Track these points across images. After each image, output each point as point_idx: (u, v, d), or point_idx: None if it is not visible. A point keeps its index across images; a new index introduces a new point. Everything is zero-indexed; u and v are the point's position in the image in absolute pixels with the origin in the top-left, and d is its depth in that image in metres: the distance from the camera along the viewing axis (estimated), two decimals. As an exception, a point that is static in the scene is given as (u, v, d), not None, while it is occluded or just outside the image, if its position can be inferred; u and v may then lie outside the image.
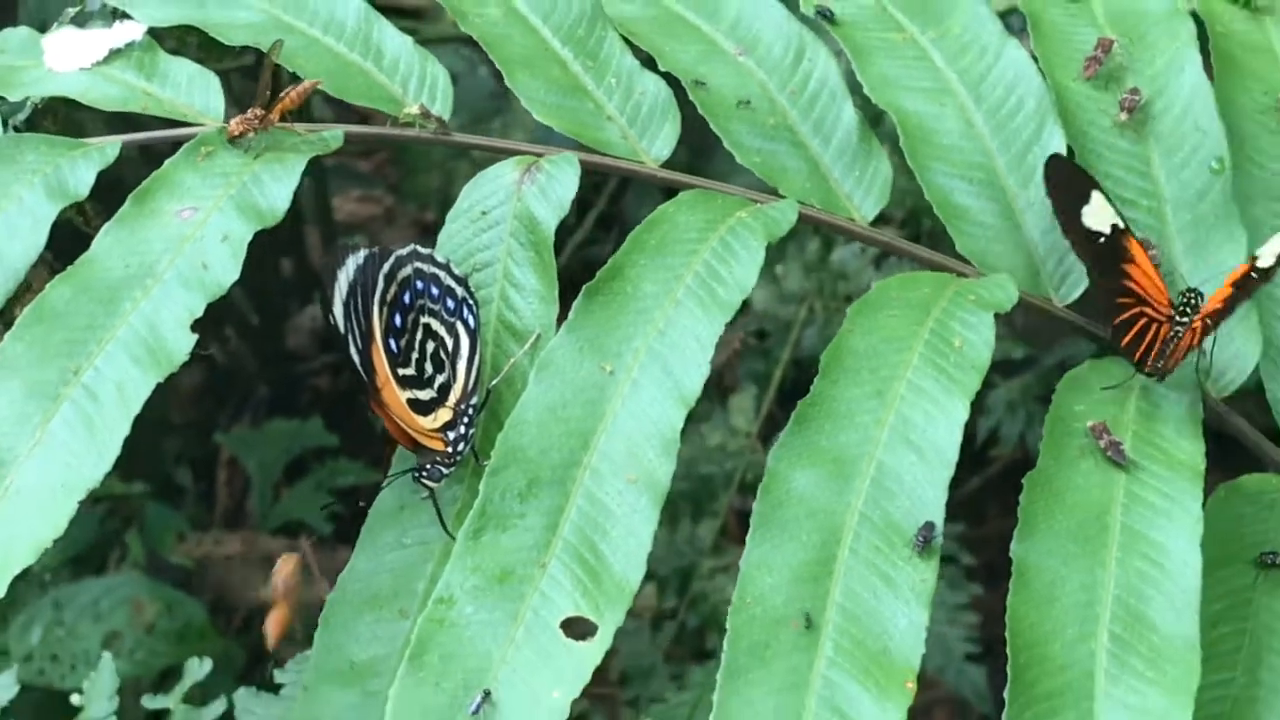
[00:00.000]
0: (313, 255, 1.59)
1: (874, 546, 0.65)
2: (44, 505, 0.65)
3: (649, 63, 0.83)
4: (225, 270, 0.71)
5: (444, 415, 0.71)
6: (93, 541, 1.41)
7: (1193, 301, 0.72)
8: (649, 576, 1.32)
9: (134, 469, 1.43)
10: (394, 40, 0.82)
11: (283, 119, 0.77)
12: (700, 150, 0.95)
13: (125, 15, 0.83)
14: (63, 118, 0.83)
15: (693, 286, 0.72)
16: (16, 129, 0.80)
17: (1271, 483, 0.73)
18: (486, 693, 0.61)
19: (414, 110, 0.79)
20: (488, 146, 0.81)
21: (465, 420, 0.70)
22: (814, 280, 1.41)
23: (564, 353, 0.70)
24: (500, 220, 0.75)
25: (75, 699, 0.97)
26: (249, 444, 1.51)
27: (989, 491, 1.46)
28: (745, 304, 1.47)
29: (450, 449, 0.70)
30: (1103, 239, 0.73)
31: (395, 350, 0.71)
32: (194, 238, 0.72)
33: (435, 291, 0.72)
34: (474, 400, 0.71)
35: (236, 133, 0.76)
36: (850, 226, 0.80)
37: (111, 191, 0.76)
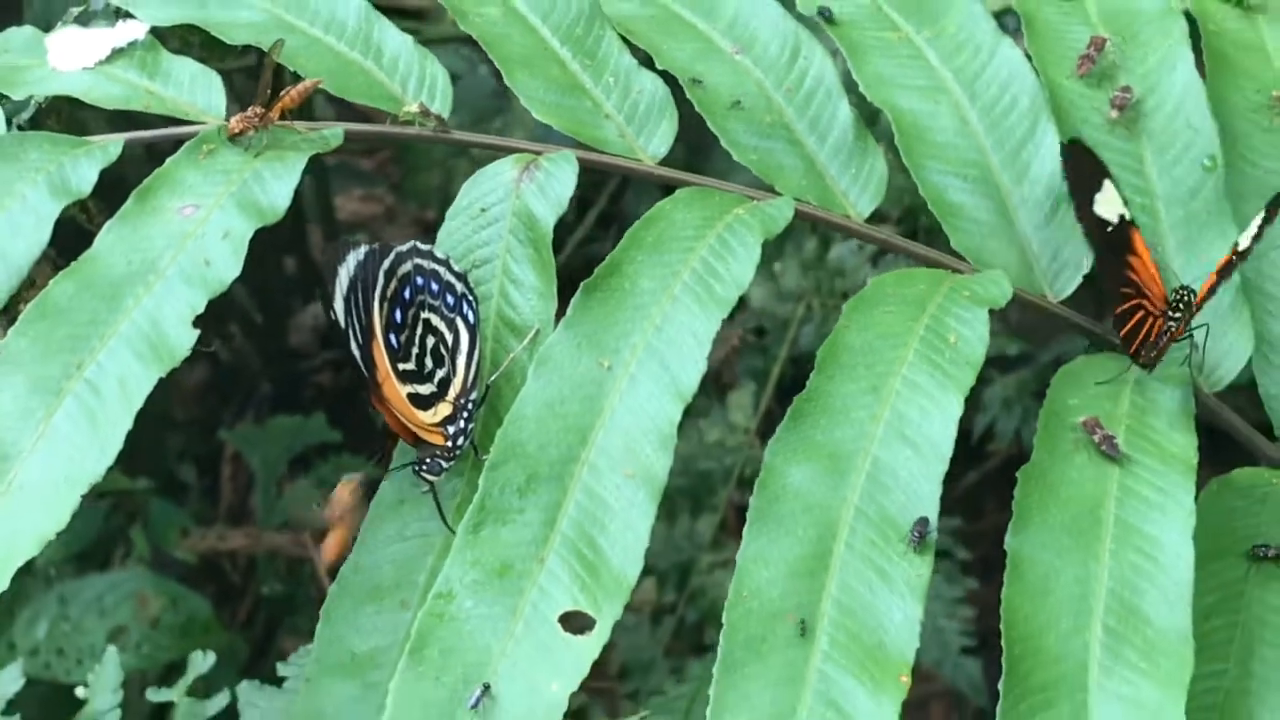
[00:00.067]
0: (315, 253, 1.59)
1: (869, 541, 0.65)
2: (47, 499, 0.65)
3: (647, 62, 0.82)
4: (227, 267, 0.71)
5: (444, 410, 0.70)
6: (98, 537, 1.41)
7: (1185, 298, 0.72)
8: (648, 571, 1.33)
9: (139, 465, 1.43)
10: (394, 39, 0.82)
11: (283, 117, 0.77)
12: (699, 149, 0.95)
13: (128, 15, 0.83)
14: (66, 116, 0.83)
15: (690, 283, 0.72)
16: (20, 127, 0.80)
17: (1263, 476, 0.73)
18: (486, 686, 0.61)
19: (414, 108, 0.79)
20: (487, 144, 0.81)
21: (465, 415, 0.70)
22: (811, 278, 1.41)
23: (562, 348, 0.70)
24: (499, 217, 0.75)
25: (80, 692, 0.96)
26: (252, 440, 1.51)
27: (985, 487, 1.46)
28: (743, 301, 1.48)
29: (450, 443, 0.69)
30: (1110, 228, 0.72)
31: (395, 346, 0.71)
32: (196, 235, 0.72)
33: (435, 287, 0.72)
34: (473, 395, 0.71)
35: (237, 131, 0.76)
36: (846, 223, 0.80)
37: (114, 189, 0.76)
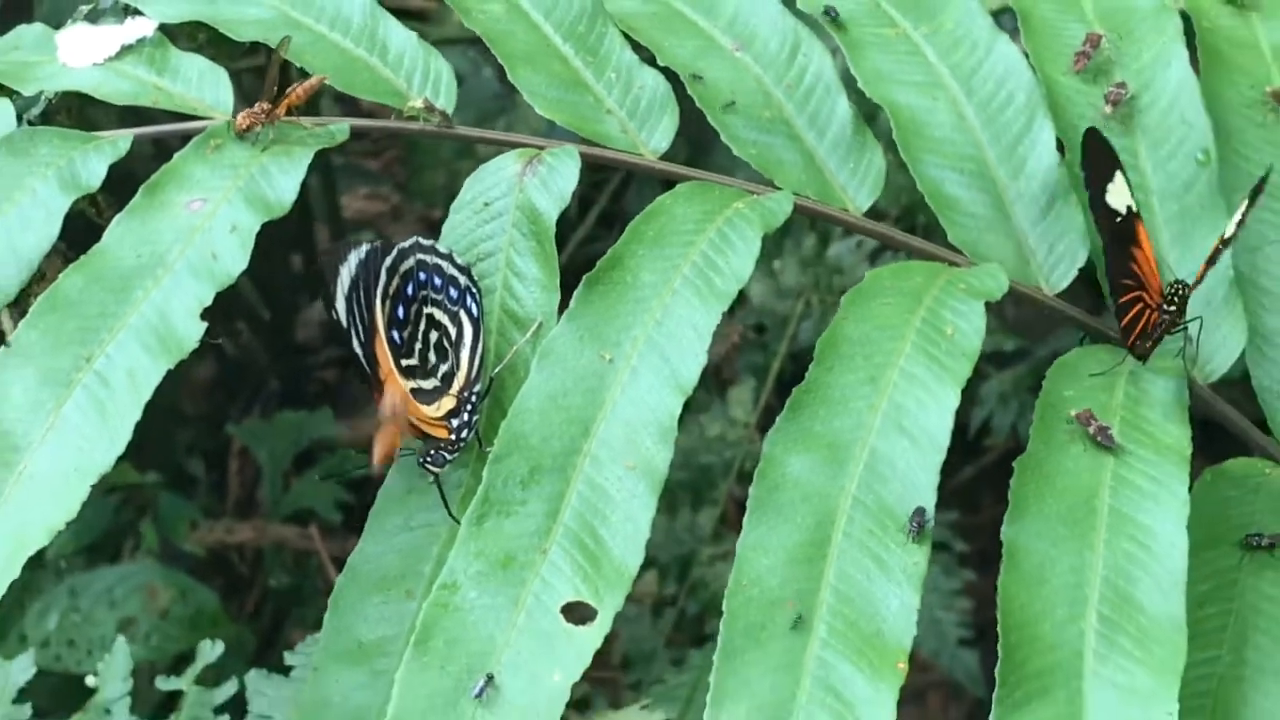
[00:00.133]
0: (322, 251, 1.59)
1: (867, 530, 0.65)
2: (57, 489, 0.65)
3: (649, 59, 0.82)
4: (234, 260, 0.71)
5: (448, 403, 0.70)
6: (108, 530, 1.41)
7: (1180, 292, 0.72)
8: (650, 564, 1.33)
9: (148, 459, 1.43)
10: (399, 36, 0.82)
11: (289, 113, 0.77)
12: (700, 145, 0.95)
13: (137, 12, 0.83)
14: (75, 112, 0.83)
15: (690, 276, 0.71)
16: (31, 123, 0.80)
17: (1256, 467, 0.73)
18: (490, 676, 0.61)
19: (418, 104, 0.79)
20: (490, 139, 0.81)
21: (469, 408, 0.70)
22: (810, 275, 1.42)
23: (565, 341, 0.70)
24: (503, 211, 0.75)
25: (91, 680, 0.97)
26: (259, 435, 1.51)
27: (982, 480, 1.46)
28: (743, 298, 1.48)
29: (454, 436, 0.69)
30: (1119, 219, 0.72)
31: (399, 341, 0.71)
32: (203, 228, 0.72)
33: (438, 282, 0.72)
34: (477, 388, 0.71)
35: (244, 126, 0.76)
36: (845, 217, 0.80)
37: (123, 184, 0.76)
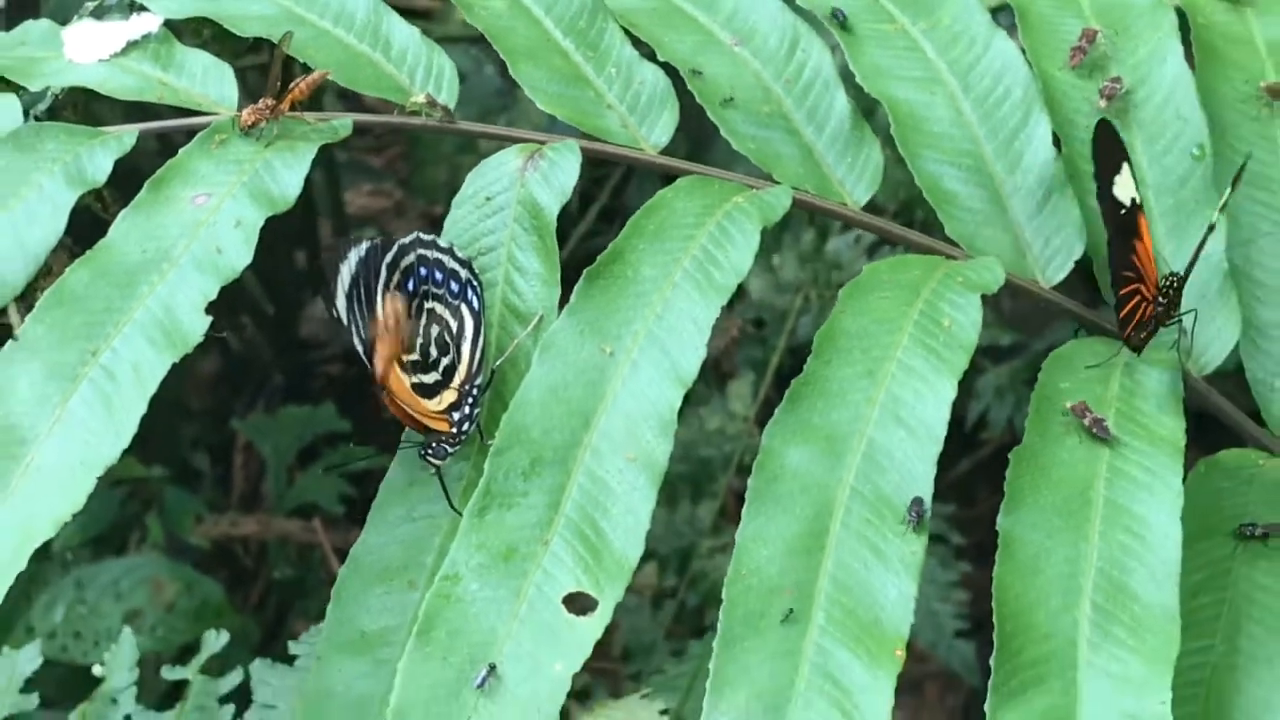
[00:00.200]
0: (324, 249, 1.59)
1: (865, 520, 0.65)
2: (63, 482, 0.65)
3: (649, 54, 0.82)
4: (238, 254, 0.71)
5: (449, 397, 0.70)
6: (113, 523, 1.41)
7: (1174, 285, 0.72)
8: (650, 556, 1.33)
9: (153, 453, 1.43)
10: (402, 32, 0.82)
11: (293, 109, 0.77)
12: (699, 140, 0.95)
13: (142, 8, 0.83)
14: (81, 108, 0.83)
15: (690, 270, 0.72)
16: (37, 118, 0.80)
17: (1250, 458, 0.73)
18: (492, 666, 0.61)
19: (421, 99, 0.79)
20: (492, 134, 0.81)
21: (470, 401, 0.70)
22: (809, 270, 1.42)
23: (566, 335, 0.70)
24: (504, 206, 0.75)
25: (97, 670, 0.97)
26: (264, 429, 1.51)
27: (979, 474, 1.47)
28: (743, 292, 1.48)
29: (455, 429, 0.70)
30: (1124, 210, 0.72)
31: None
32: (208, 223, 0.72)
33: (439, 276, 0.72)
34: (478, 381, 0.71)
35: (248, 122, 0.76)
36: (843, 211, 0.80)
37: (128, 179, 0.76)
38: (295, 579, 1.46)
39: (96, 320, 0.69)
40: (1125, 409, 0.70)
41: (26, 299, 0.72)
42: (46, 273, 0.72)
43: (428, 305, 0.72)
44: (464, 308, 0.72)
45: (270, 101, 0.76)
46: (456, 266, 0.72)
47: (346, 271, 0.70)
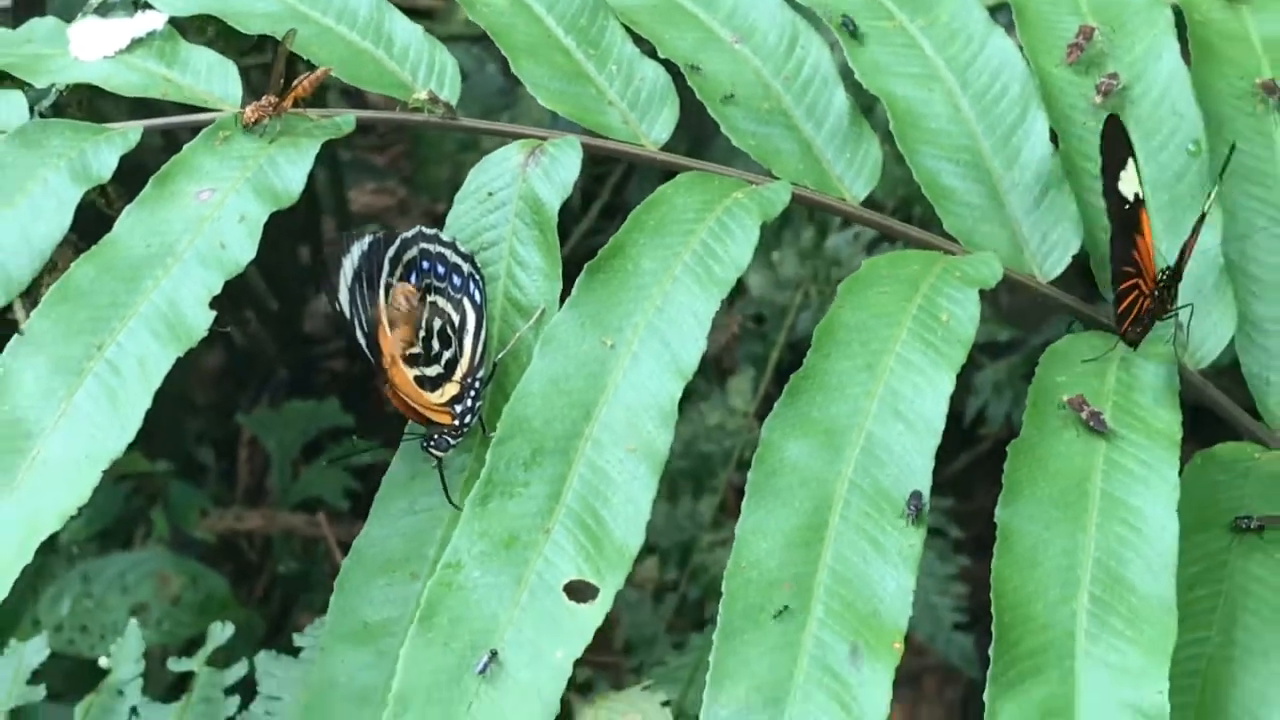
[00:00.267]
0: (327, 243, 1.59)
1: (864, 513, 0.65)
2: (69, 475, 0.65)
3: (650, 51, 0.82)
4: (242, 249, 0.71)
5: (451, 390, 0.70)
6: (119, 517, 1.41)
7: (1167, 278, 0.72)
8: (651, 550, 1.33)
9: (158, 448, 1.43)
10: (404, 29, 0.82)
11: (296, 105, 0.77)
12: (700, 136, 0.95)
13: (147, 5, 0.83)
14: (86, 104, 0.83)
15: (690, 264, 0.71)
16: (43, 115, 0.80)
17: (1246, 451, 0.73)
18: (493, 653, 0.61)
19: (423, 95, 0.79)
20: (494, 130, 0.81)
21: (472, 393, 0.70)
22: (809, 267, 1.41)
23: (567, 328, 0.70)
24: (506, 201, 0.75)
25: (103, 661, 0.97)
26: (268, 424, 1.51)
27: (977, 468, 1.46)
28: (743, 289, 1.48)
29: (457, 421, 0.69)
30: (1127, 206, 0.72)
31: (403, 329, 0.71)
32: (212, 218, 0.72)
33: (441, 270, 0.72)
34: (480, 374, 0.71)
35: (252, 119, 0.76)
36: (842, 206, 0.80)
37: (133, 175, 0.76)
38: (300, 573, 1.46)
39: (101, 315, 0.69)
40: (1122, 402, 0.70)
41: (32, 294, 0.72)
42: (52, 268, 0.72)
43: (430, 299, 0.72)
44: (466, 301, 0.72)
45: (273, 98, 0.76)
46: (459, 260, 0.72)
47: (349, 265, 0.69)
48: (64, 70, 0.80)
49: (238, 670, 0.97)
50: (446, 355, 0.71)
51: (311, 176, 0.75)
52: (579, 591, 0.63)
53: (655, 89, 0.81)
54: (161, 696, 1.00)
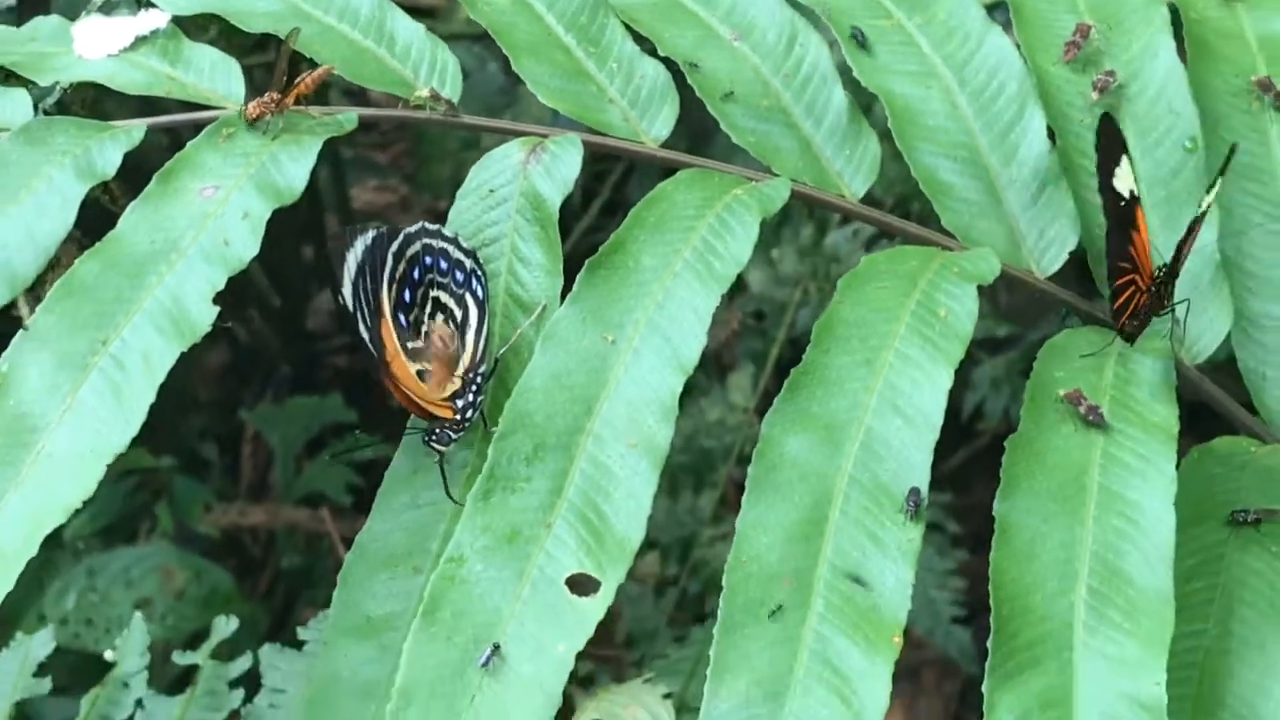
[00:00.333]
0: (330, 237, 1.59)
1: (863, 507, 0.65)
2: (74, 469, 0.65)
3: (650, 49, 0.82)
4: (245, 245, 0.71)
5: (453, 385, 0.70)
6: (124, 512, 1.41)
7: (1163, 274, 0.72)
8: (652, 545, 1.33)
9: (163, 444, 1.43)
10: (406, 27, 0.82)
11: (298, 103, 0.77)
12: (700, 133, 0.95)
13: (150, 4, 0.83)
14: (90, 102, 0.83)
15: (690, 260, 0.71)
16: (47, 112, 0.80)
17: (1242, 445, 0.73)
18: (496, 646, 0.61)
19: (425, 93, 0.79)
20: (495, 128, 0.81)
21: (473, 389, 0.70)
22: (808, 264, 1.41)
23: (568, 323, 0.70)
24: (508, 198, 0.75)
25: (109, 654, 0.97)
26: (272, 420, 1.51)
27: (975, 464, 1.46)
28: (742, 286, 1.47)
29: (459, 416, 0.69)
30: (1122, 203, 0.72)
31: (405, 325, 0.71)
32: (216, 214, 0.72)
33: (444, 265, 0.72)
34: (482, 369, 0.71)
35: (254, 116, 0.76)
36: (841, 203, 0.80)
37: (136, 172, 0.76)
38: (303, 567, 1.46)
39: (106, 310, 0.69)
40: (1119, 396, 0.69)
41: (36, 290, 0.72)
42: (56, 264, 0.72)
43: (433, 294, 0.72)
44: (468, 296, 0.72)
45: (275, 95, 0.76)
46: (461, 256, 0.72)
47: (353, 260, 0.69)
48: (68, 68, 0.80)
49: (242, 663, 0.97)
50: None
51: (314, 174, 0.75)
52: (581, 585, 0.63)
53: (655, 86, 0.81)
54: (166, 690, 1.00)
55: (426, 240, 0.72)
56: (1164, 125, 0.79)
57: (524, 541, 0.64)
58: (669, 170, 0.78)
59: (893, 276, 0.72)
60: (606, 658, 1.31)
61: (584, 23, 0.83)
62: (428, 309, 0.72)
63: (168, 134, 0.82)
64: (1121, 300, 0.72)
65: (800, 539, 0.64)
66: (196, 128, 0.77)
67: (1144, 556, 0.63)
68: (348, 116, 0.78)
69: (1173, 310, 0.73)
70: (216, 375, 1.63)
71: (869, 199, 0.80)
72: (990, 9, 0.84)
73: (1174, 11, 0.84)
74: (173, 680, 1.09)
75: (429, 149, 1.68)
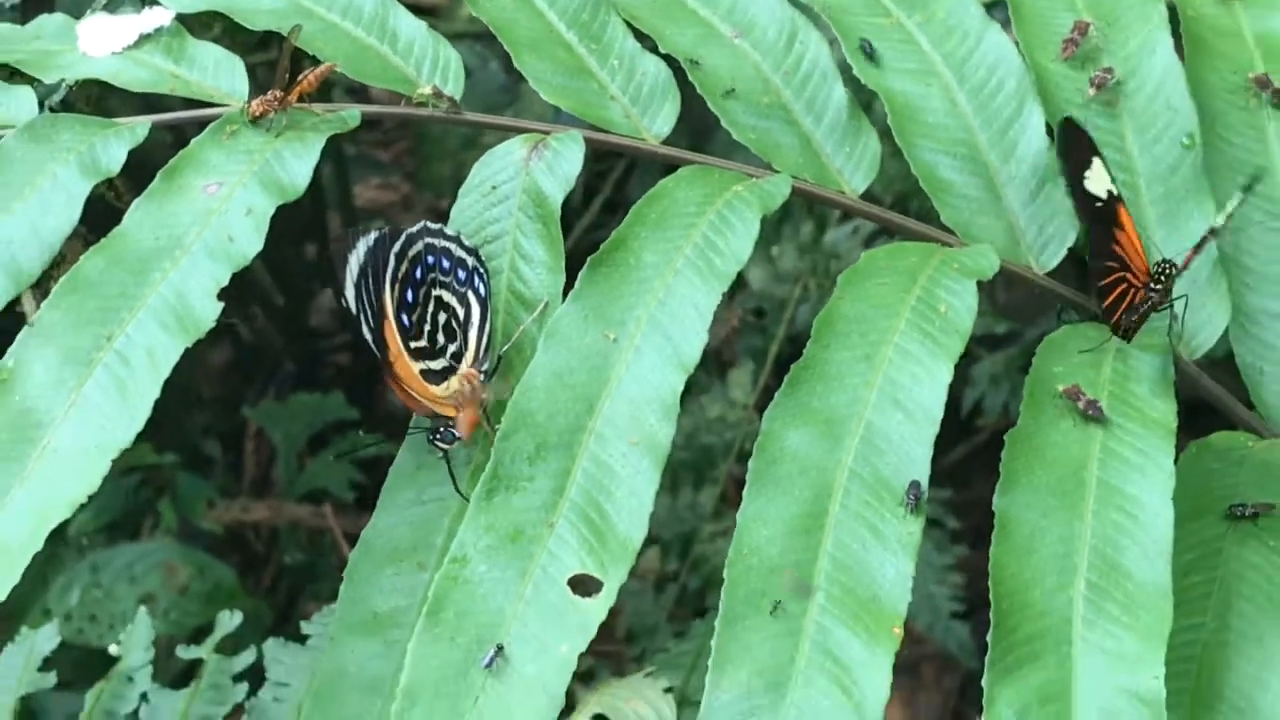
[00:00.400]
0: (332, 239, 1.59)
1: (863, 501, 0.65)
2: (79, 464, 0.65)
3: (651, 46, 0.82)
4: (249, 242, 0.71)
5: (456, 383, 0.70)
6: (128, 509, 1.41)
7: (1166, 271, 0.72)
8: (652, 541, 1.33)
9: (166, 441, 1.43)
10: (409, 25, 0.82)
11: (301, 100, 0.77)
12: (700, 130, 0.95)
13: (154, 2, 0.83)
14: (95, 99, 0.83)
15: (691, 257, 0.71)
16: (52, 110, 0.80)
17: (1240, 440, 0.73)
18: (499, 647, 0.61)
19: (427, 90, 0.79)
20: (497, 125, 0.81)
21: (476, 387, 0.70)
22: (808, 261, 1.41)
23: (570, 321, 0.69)
24: (509, 195, 0.75)
25: (113, 649, 0.97)
26: (275, 417, 1.51)
27: (974, 459, 1.46)
28: (743, 283, 1.47)
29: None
30: (1099, 204, 0.72)
31: (408, 324, 0.71)
32: (220, 211, 0.72)
33: (446, 264, 0.72)
34: (485, 367, 0.71)
35: (257, 113, 0.76)
36: (841, 199, 0.80)
37: (140, 169, 0.76)
38: (306, 564, 1.46)
39: (111, 306, 0.69)
40: (1118, 392, 0.70)
41: (41, 286, 0.72)
42: (61, 260, 0.72)
43: (435, 292, 0.72)
44: (471, 295, 0.72)
45: (279, 93, 0.76)
46: (463, 254, 0.72)
47: (355, 261, 0.69)
48: (73, 66, 0.80)
49: (246, 658, 0.97)
50: (451, 349, 0.71)
51: (317, 172, 0.75)
52: (583, 585, 0.63)
53: (656, 84, 0.81)
54: (171, 684, 1.00)
55: (428, 240, 0.72)
56: (1162, 122, 0.79)
57: (527, 541, 0.63)
58: (670, 167, 0.78)
59: (893, 272, 0.72)
60: (607, 653, 1.32)
61: (585, 20, 0.83)
62: (430, 308, 0.72)
63: (172, 131, 0.82)
64: (1112, 299, 0.72)
65: (801, 532, 0.64)
66: (200, 125, 0.78)
67: (1142, 551, 0.63)
68: (350, 114, 0.78)
69: (1171, 306, 0.73)
70: (220, 372, 1.63)
71: (869, 196, 0.80)
72: (989, 7, 0.84)
73: (1171, 9, 0.84)
74: (177, 675, 1.09)
75: (431, 147, 1.68)
